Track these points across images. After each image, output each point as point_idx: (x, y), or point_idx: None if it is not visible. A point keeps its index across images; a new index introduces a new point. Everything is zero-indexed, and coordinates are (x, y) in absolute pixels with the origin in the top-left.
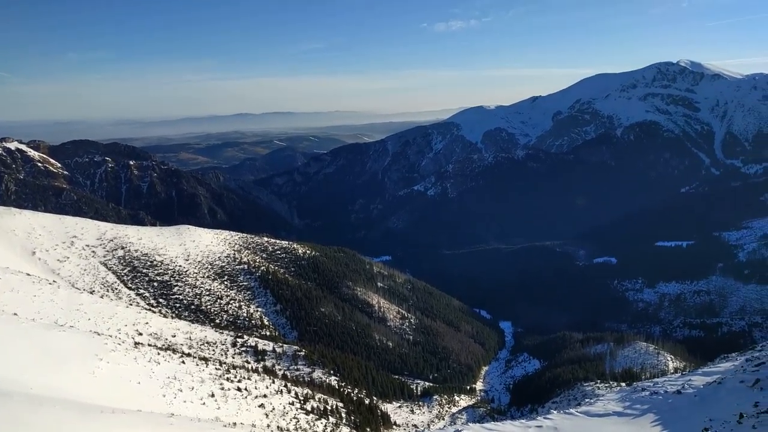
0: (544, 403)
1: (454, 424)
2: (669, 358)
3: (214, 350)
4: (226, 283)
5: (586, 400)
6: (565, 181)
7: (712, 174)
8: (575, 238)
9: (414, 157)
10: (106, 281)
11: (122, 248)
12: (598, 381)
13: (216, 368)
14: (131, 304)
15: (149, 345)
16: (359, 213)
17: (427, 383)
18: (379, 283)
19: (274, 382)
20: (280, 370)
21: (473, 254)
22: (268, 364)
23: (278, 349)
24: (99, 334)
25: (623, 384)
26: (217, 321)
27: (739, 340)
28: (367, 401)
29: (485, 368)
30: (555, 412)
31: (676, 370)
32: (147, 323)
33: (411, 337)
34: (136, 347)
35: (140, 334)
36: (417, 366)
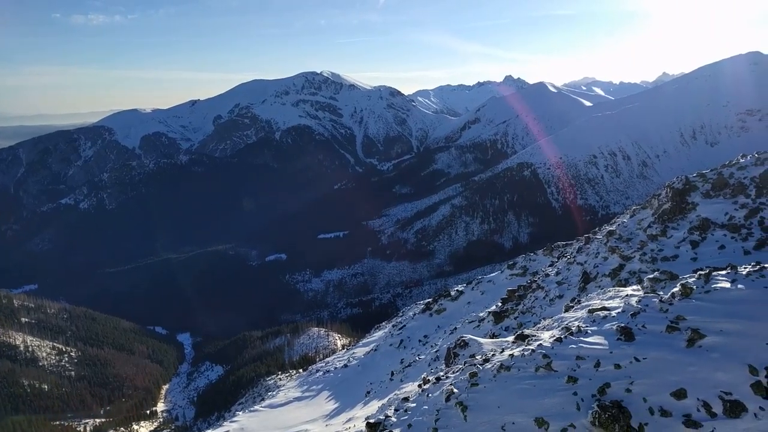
0: (231, 407)
1: None
2: (337, 337)
3: None
4: None
5: (270, 393)
6: (232, 185)
7: (357, 171)
8: (247, 240)
9: (58, 167)
10: None
11: None
12: (280, 372)
13: None
14: None
15: None
16: None
17: (98, 420)
18: (23, 318)
19: None
20: None
21: (141, 268)
22: None
23: None
24: None
25: (301, 370)
26: None
27: (388, 310)
28: None
29: (166, 387)
30: (240, 413)
31: (343, 346)
32: None
33: (73, 372)
34: None
35: None
36: (84, 403)
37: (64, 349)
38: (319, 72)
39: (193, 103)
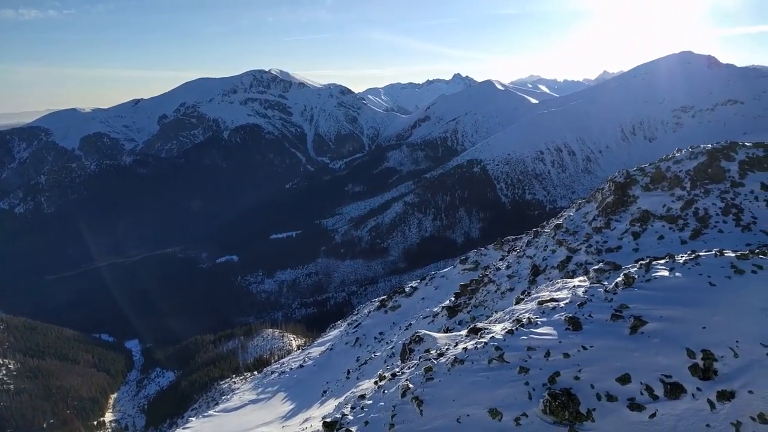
0: (183, 413)
1: None
2: (292, 338)
3: None
4: None
5: (224, 397)
6: (180, 186)
7: (309, 170)
8: (197, 242)
9: None
10: None
11: None
12: (234, 376)
13: None
14: None
15: None
16: None
17: None
18: None
19: None
20: None
21: (85, 274)
22: None
23: None
24: None
25: (256, 372)
26: None
27: (343, 309)
28: None
29: (114, 396)
30: (194, 418)
31: (299, 347)
32: None
33: (12, 385)
34: None
35: None
36: (25, 418)
37: (1, 362)
38: (267, 70)
39: (137, 102)
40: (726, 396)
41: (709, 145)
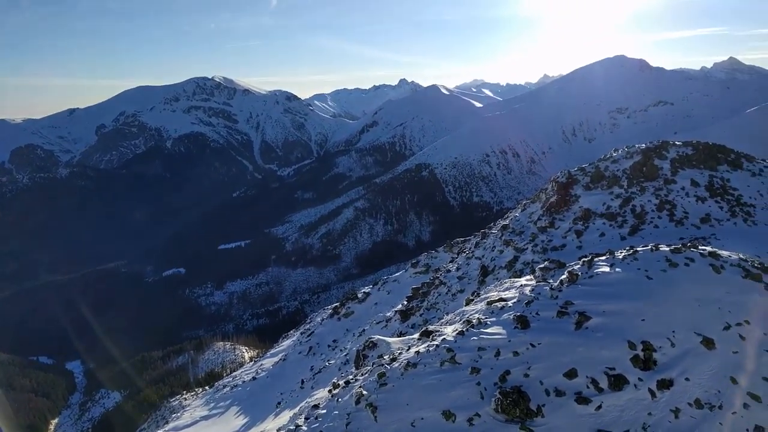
0: None
1: None
2: (245, 350)
3: None
4: None
5: (174, 415)
6: (122, 198)
7: (256, 178)
8: (141, 256)
9: None
10: None
11: None
12: (185, 392)
13: None
14: None
15: None
16: None
17: None
18: None
19: None
20: None
21: (19, 295)
22: None
23: None
24: None
25: (207, 387)
26: None
27: (296, 318)
28: None
29: (55, 421)
30: None
31: (251, 359)
32: None
33: None
34: None
35: None
36: None
37: None
38: (210, 77)
39: (72, 111)
40: (665, 384)
41: (643, 145)
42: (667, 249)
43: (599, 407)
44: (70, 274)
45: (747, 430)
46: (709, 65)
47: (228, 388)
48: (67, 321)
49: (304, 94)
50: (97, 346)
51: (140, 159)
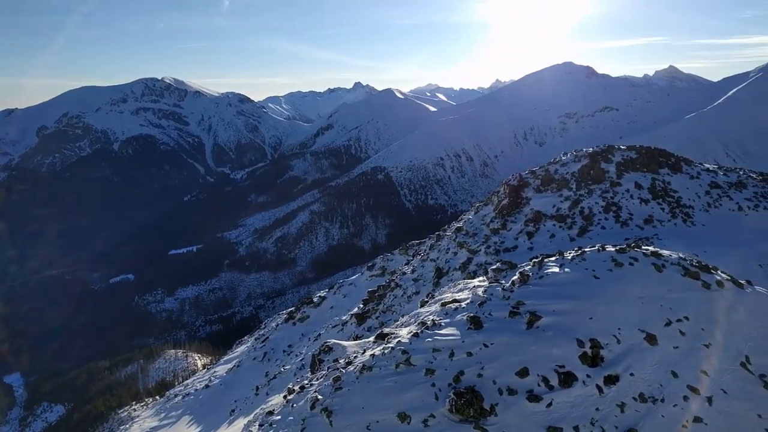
0: None
1: None
2: (197, 357)
3: None
4: None
5: (123, 427)
6: (66, 203)
7: (208, 181)
8: (87, 262)
9: None
10: None
11: None
12: (134, 403)
13: None
14: None
15: None
16: None
17: None
18: None
19: None
20: None
21: None
22: None
23: None
24: None
25: (158, 397)
26: None
27: (251, 323)
28: None
29: None
30: None
31: (204, 366)
32: None
33: None
34: None
35: None
36: None
37: None
38: (160, 78)
39: (10, 112)
40: (612, 380)
41: (591, 149)
42: (613, 249)
43: (550, 404)
44: (8, 282)
45: (687, 421)
46: (651, 73)
47: (180, 397)
48: (5, 332)
49: (257, 97)
50: (39, 358)
51: (85, 162)
